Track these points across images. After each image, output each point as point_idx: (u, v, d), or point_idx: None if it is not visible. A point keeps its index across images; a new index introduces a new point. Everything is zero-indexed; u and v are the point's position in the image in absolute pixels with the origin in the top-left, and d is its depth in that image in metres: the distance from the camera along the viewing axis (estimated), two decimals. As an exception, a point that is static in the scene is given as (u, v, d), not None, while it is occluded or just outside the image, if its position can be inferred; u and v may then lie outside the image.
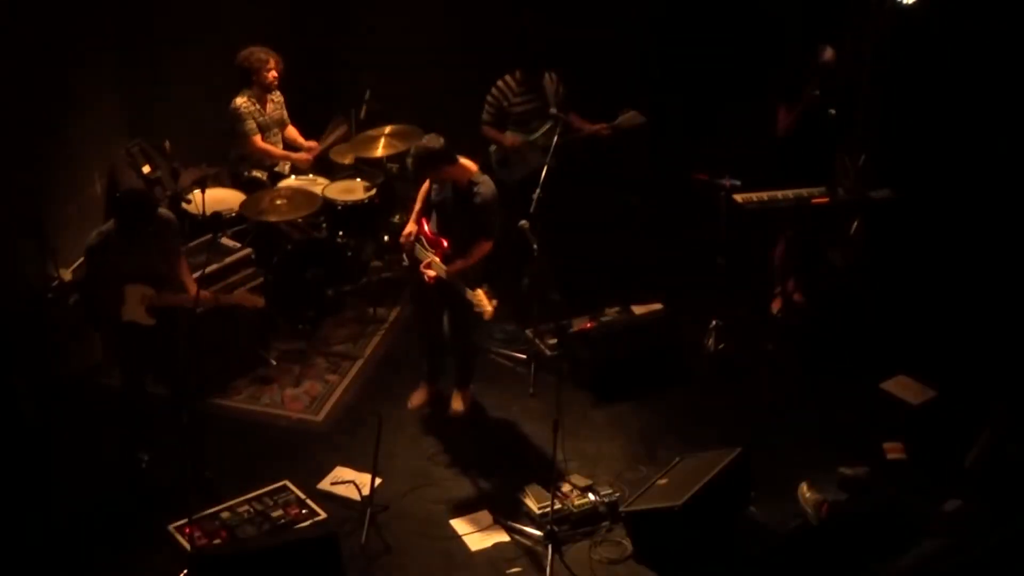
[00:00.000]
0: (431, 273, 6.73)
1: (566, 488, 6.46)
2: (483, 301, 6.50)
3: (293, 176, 8.28)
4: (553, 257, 7.87)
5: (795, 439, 6.95)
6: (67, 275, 7.83)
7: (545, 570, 6.03)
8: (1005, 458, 5.60)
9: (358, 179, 8.21)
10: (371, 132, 8.22)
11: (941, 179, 8.11)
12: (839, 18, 8.30)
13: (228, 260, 7.39)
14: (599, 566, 6.13)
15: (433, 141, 6.61)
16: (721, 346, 7.70)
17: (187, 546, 6.03)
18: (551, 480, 6.26)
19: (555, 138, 7.63)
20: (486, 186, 6.70)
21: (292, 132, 8.44)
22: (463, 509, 6.48)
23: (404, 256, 7.10)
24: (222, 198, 7.98)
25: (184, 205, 7.93)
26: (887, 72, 8.18)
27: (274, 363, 7.62)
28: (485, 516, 6.42)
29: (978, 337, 7.53)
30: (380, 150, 8.11)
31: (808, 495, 6.32)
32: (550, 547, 6.12)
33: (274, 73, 8.07)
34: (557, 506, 6.24)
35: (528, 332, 7.72)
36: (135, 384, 6.47)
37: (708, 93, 9.04)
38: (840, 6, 8.35)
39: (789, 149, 7.59)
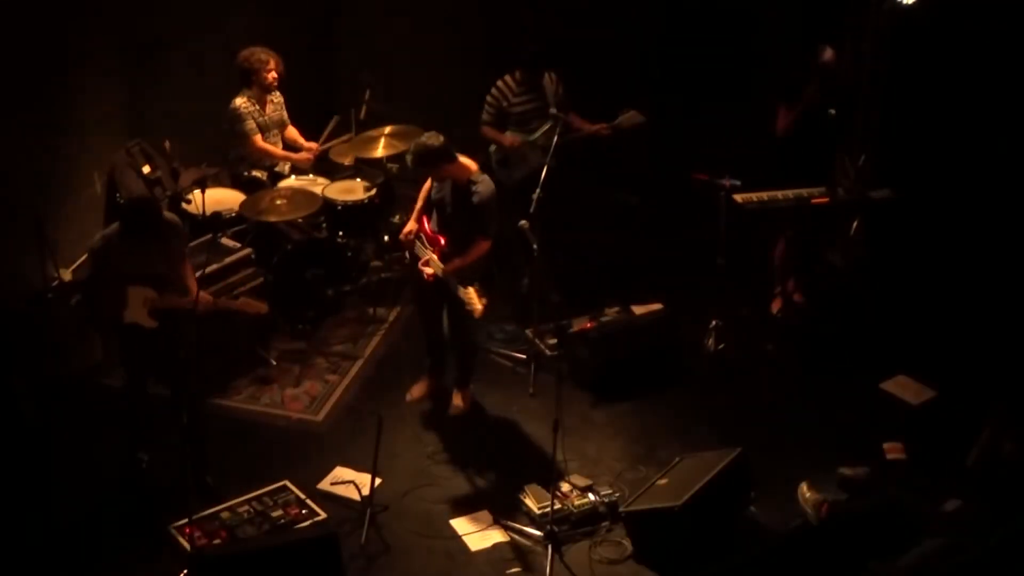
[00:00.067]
0: (428, 271, 6.76)
1: (566, 488, 6.45)
2: (473, 299, 6.52)
3: (293, 176, 8.28)
4: (553, 257, 7.89)
5: (795, 439, 6.96)
6: (67, 275, 7.83)
7: (545, 570, 6.03)
8: (1004, 458, 5.61)
9: (358, 179, 8.21)
10: (371, 132, 8.23)
11: (941, 179, 8.11)
12: (839, 18, 8.30)
13: (228, 260, 7.39)
14: (599, 566, 6.13)
15: (432, 139, 6.61)
16: (721, 346, 7.70)
17: (187, 546, 6.03)
18: (551, 480, 6.27)
19: (555, 138, 7.63)
20: (484, 185, 6.71)
21: (292, 133, 8.44)
22: (463, 509, 6.48)
23: (406, 254, 7.12)
24: (222, 198, 7.98)
25: (184, 205, 7.92)
26: (887, 72, 8.18)
27: (274, 363, 7.62)
28: (485, 516, 6.42)
29: (978, 337, 7.53)
30: (380, 150, 8.12)
31: (808, 495, 6.32)
32: (550, 547, 6.12)
33: (274, 74, 8.07)
34: (557, 506, 6.23)
35: (528, 332, 7.72)
36: (137, 385, 6.48)
37: (708, 93, 9.03)
38: (840, 6, 8.35)
39: (789, 149, 7.59)
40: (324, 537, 5.85)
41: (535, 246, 6.58)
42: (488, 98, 8.01)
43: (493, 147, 8.09)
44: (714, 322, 7.71)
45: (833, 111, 7.46)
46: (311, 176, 8.29)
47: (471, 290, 6.55)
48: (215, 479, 6.47)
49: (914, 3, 7.71)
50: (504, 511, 6.44)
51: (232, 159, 8.31)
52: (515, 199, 7.86)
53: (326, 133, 8.36)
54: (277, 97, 8.28)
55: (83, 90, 8.12)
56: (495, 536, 6.31)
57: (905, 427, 6.99)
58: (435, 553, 6.21)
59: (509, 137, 8.01)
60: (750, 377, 7.55)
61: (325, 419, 7.21)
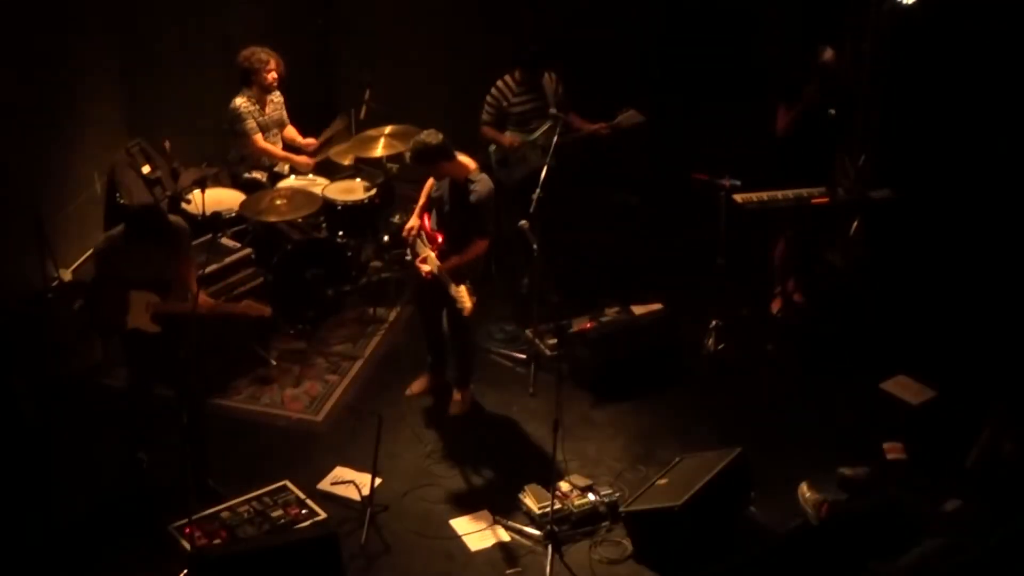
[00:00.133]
0: (425, 268, 6.78)
1: (566, 488, 6.45)
2: (463, 297, 6.55)
3: (293, 176, 8.28)
4: (553, 257, 7.89)
5: (795, 439, 6.96)
6: (67, 275, 7.84)
7: (545, 570, 6.03)
8: (1003, 458, 5.61)
9: (358, 179, 8.21)
10: (371, 132, 8.23)
11: (941, 179, 8.10)
12: (839, 18, 8.30)
13: (228, 260, 7.39)
14: (599, 566, 6.12)
15: (431, 136, 6.62)
16: (721, 346, 7.70)
17: (187, 546, 6.03)
18: (551, 480, 6.26)
19: (555, 138, 7.63)
20: (482, 184, 6.71)
21: (291, 132, 8.44)
22: (463, 509, 6.48)
23: (408, 250, 7.14)
24: (222, 198, 7.98)
25: (184, 205, 7.93)
26: (887, 72, 8.18)
27: (274, 363, 7.62)
28: (485, 516, 6.42)
29: (978, 337, 7.53)
30: (380, 150, 8.12)
31: (808, 495, 6.32)
32: (550, 547, 6.12)
33: (274, 74, 8.08)
34: (557, 506, 6.23)
35: (528, 332, 7.72)
36: (141, 388, 6.48)
37: (708, 93, 9.03)
38: (840, 6, 8.35)
39: (789, 149, 7.59)
40: (324, 537, 5.84)
41: (535, 246, 6.58)
42: (488, 98, 8.01)
43: (493, 147, 8.09)
44: (714, 322, 7.71)
45: (833, 111, 7.46)
46: (311, 176, 8.29)
47: (462, 288, 6.58)
48: (216, 481, 6.46)
49: (914, 3, 7.71)
50: (504, 511, 6.44)
51: (232, 159, 8.32)
52: (515, 199, 7.87)
53: (328, 133, 8.36)
54: (277, 97, 8.29)
55: (83, 90, 8.13)
56: (495, 536, 6.31)
57: (905, 427, 6.98)
58: (435, 553, 6.21)
59: (509, 137, 8.01)
60: (750, 377, 7.55)
61: (325, 419, 7.21)
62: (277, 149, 8.29)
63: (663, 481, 6.34)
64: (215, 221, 7.65)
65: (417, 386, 7.37)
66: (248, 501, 6.41)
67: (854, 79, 7.95)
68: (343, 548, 5.88)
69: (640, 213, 9.34)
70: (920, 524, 5.71)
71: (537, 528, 6.29)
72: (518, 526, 6.34)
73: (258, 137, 8.13)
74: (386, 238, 8.26)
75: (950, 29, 7.92)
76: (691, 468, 6.34)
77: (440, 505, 6.52)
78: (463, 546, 6.26)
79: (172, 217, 6.42)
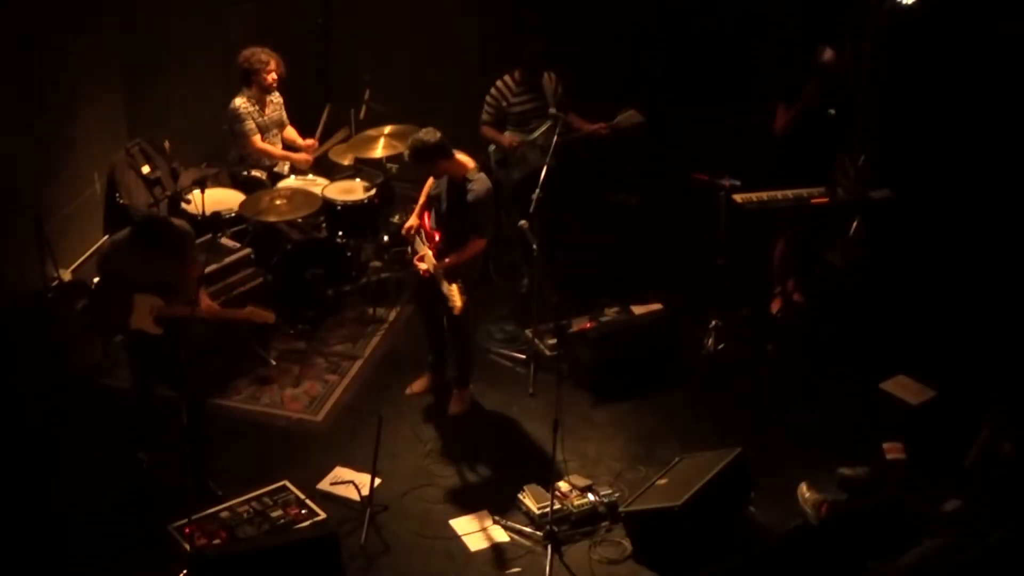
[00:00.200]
0: (423, 266, 6.79)
1: (565, 488, 6.45)
2: (454, 296, 6.58)
3: (293, 176, 8.28)
4: (553, 257, 7.90)
5: (795, 439, 6.96)
6: (67, 275, 7.84)
7: (544, 570, 6.03)
8: (1002, 458, 5.61)
9: (358, 179, 8.21)
10: (371, 132, 8.24)
11: (941, 179, 8.10)
12: (839, 18, 8.30)
13: (228, 260, 7.39)
14: (599, 566, 6.12)
15: (429, 135, 6.63)
16: (721, 346, 7.70)
17: (187, 546, 6.03)
18: (550, 480, 6.26)
19: (554, 138, 7.64)
20: (480, 183, 6.71)
21: (291, 133, 8.44)
22: (463, 509, 6.48)
23: (408, 248, 7.15)
24: (222, 198, 7.98)
25: (184, 205, 7.93)
26: (887, 72, 8.18)
27: (274, 363, 7.61)
28: (485, 516, 6.42)
29: (978, 337, 7.53)
30: (380, 150, 8.12)
31: (808, 495, 6.32)
32: (550, 547, 6.12)
33: (274, 75, 8.07)
34: (557, 506, 6.23)
35: (528, 332, 7.72)
36: (144, 389, 6.48)
37: (708, 93, 9.03)
38: (840, 6, 8.35)
39: (789, 149, 7.59)
40: (324, 537, 5.85)
41: (535, 246, 6.58)
42: (488, 98, 8.01)
43: (492, 147, 8.09)
44: (714, 322, 7.71)
45: (833, 111, 7.46)
46: (311, 176, 8.29)
47: (454, 287, 6.61)
48: (217, 484, 6.45)
49: (914, 3, 7.71)
50: (504, 511, 6.44)
51: (232, 159, 8.32)
52: (514, 199, 7.89)
53: (321, 124, 8.36)
54: (277, 98, 8.29)
55: (83, 90, 8.14)
56: (495, 536, 6.31)
57: (905, 427, 6.98)
58: (435, 553, 6.21)
59: (508, 137, 8.01)
60: (750, 377, 7.55)
61: (325, 419, 7.21)
62: (276, 149, 8.28)
63: (663, 481, 6.34)
64: (215, 221, 7.66)
65: (417, 385, 7.37)
66: (248, 501, 6.41)
67: (854, 79, 7.96)
68: (343, 548, 5.88)
69: (640, 213, 9.34)
70: (920, 524, 5.72)
71: (537, 528, 6.29)
72: (518, 526, 6.34)
73: (256, 138, 8.13)
74: (386, 238, 8.26)
75: (950, 29, 7.92)
76: (691, 468, 6.34)
77: (440, 505, 6.52)
78: (463, 546, 6.26)
79: (176, 221, 6.40)
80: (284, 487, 6.54)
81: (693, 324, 7.77)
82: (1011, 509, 5.40)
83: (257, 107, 8.12)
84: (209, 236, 7.42)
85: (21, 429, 6.74)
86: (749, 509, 6.37)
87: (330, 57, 9.77)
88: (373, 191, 8.09)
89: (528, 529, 6.31)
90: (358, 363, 7.69)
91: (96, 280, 6.46)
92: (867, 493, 6.31)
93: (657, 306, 7.80)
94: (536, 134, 7.96)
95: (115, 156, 8.39)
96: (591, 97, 8.28)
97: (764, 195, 7.44)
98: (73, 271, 8.00)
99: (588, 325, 7.55)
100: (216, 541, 6.14)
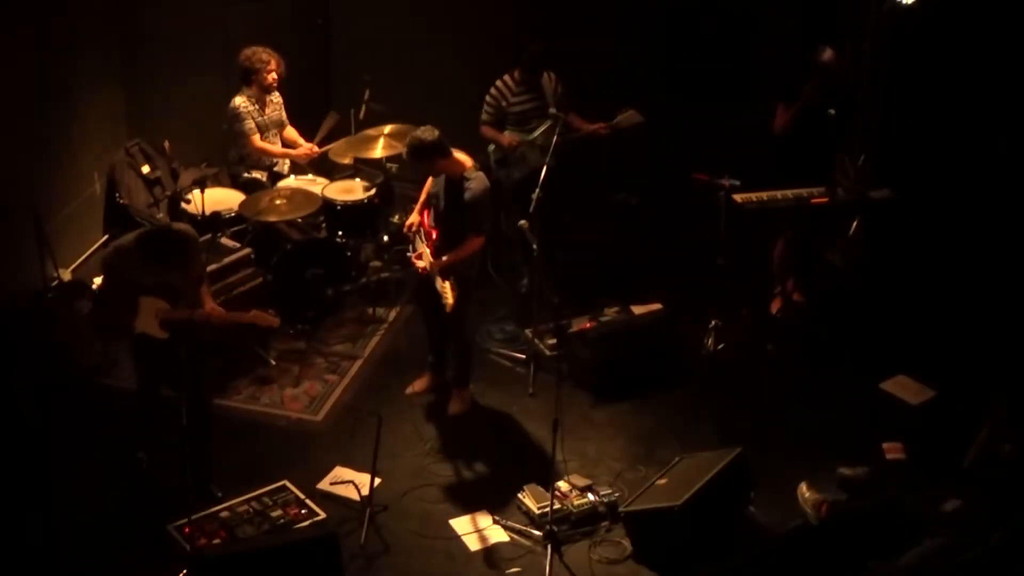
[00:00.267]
0: (420, 264, 6.79)
1: (565, 488, 6.45)
2: (447, 292, 6.60)
3: (293, 176, 8.28)
4: (553, 257, 7.90)
5: (795, 439, 6.96)
6: (67, 275, 7.84)
7: (544, 570, 6.03)
8: (1002, 458, 5.61)
9: (357, 179, 8.21)
10: (371, 132, 8.23)
11: (941, 179, 8.10)
12: (839, 18, 8.30)
13: (227, 260, 7.39)
14: (599, 566, 6.12)
15: (426, 133, 6.62)
16: (721, 346, 7.70)
17: (187, 546, 6.03)
18: (550, 480, 6.26)
19: (554, 137, 7.64)
20: (477, 182, 6.71)
21: (291, 133, 8.44)
22: (463, 509, 6.48)
23: (410, 247, 7.15)
24: (221, 198, 7.98)
25: (184, 205, 7.93)
26: (887, 72, 8.18)
27: (274, 363, 7.61)
28: (485, 516, 6.42)
29: (978, 337, 7.53)
30: (379, 150, 8.12)
31: (808, 495, 6.32)
32: (549, 547, 6.12)
33: (274, 75, 8.07)
34: (556, 506, 6.23)
35: (528, 332, 7.72)
36: (149, 391, 6.47)
37: (708, 93, 9.03)
38: (840, 6, 8.35)
39: (789, 149, 7.59)
40: (324, 537, 5.84)
41: (535, 246, 6.58)
42: (487, 98, 8.01)
43: (492, 147, 8.09)
44: (714, 322, 7.71)
45: (833, 111, 7.47)
46: (310, 176, 8.29)
47: (447, 283, 6.62)
48: (217, 484, 6.45)
49: (914, 3, 7.71)
50: (504, 511, 6.44)
51: (232, 159, 8.31)
52: (514, 199, 7.88)
53: (323, 130, 8.36)
54: (277, 98, 8.29)
55: (83, 90, 8.14)
56: (495, 536, 6.31)
57: (905, 427, 6.98)
58: (435, 553, 6.21)
59: (508, 137, 8.01)
60: (750, 377, 7.55)
61: (325, 419, 7.21)
62: (275, 147, 8.28)
63: (663, 481, 6.34)
64: (215, 221, 7.66)
65: (418, 385, 7.37)
66: (247, 501, 6.41)
67: (854, 79, 7.96)
68: (343, 548, 5.88)
69: (640, 213, 9.34)
70: (920, 524, 5.72)
71: (536, 528, 6.29)
72: (517, 526, 6.34)
73: (256, 137, 8.12)
74: (386, 238, 8.26)
75: (950, 29, 7.92)
76: (691, 468, 6.34)
77: (440, 505, 6.52)
78: (463, 546, 6.26)
79: (180, 226, 6.38)
80: (284, 487, 6.54)
81: (693, 324, 7.78)
82: (1011, 509, 5.41)
83: (257, 106, 8.12)
84: (209, 236, 7.43)
85: (21, 429, 6.74)
86: (749, 509, 6.37)
87: (330, 57, 9.77)
88: (373, 191, 8.09)
89: (528, 529, 6.31)
90: (358, 363, 7.69)
91: (100, 284, 6.45)
92: (867, 493, 6.31)
93: (657, 306, 7.80)
94: (536, 134, 7.96)
95: (115, 156, 8.40)
96: (591, 97, 8.28)
97: (764, 195, 7.44)
98: (73, 271, 8.01)
99: (588, 325, 7.55)
100: (216, 541, 6.14)
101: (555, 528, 6.18)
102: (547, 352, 7.61)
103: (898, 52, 8.13)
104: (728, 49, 8.99)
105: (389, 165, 8.29)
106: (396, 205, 8.49)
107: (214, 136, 8.49)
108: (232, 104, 8.07)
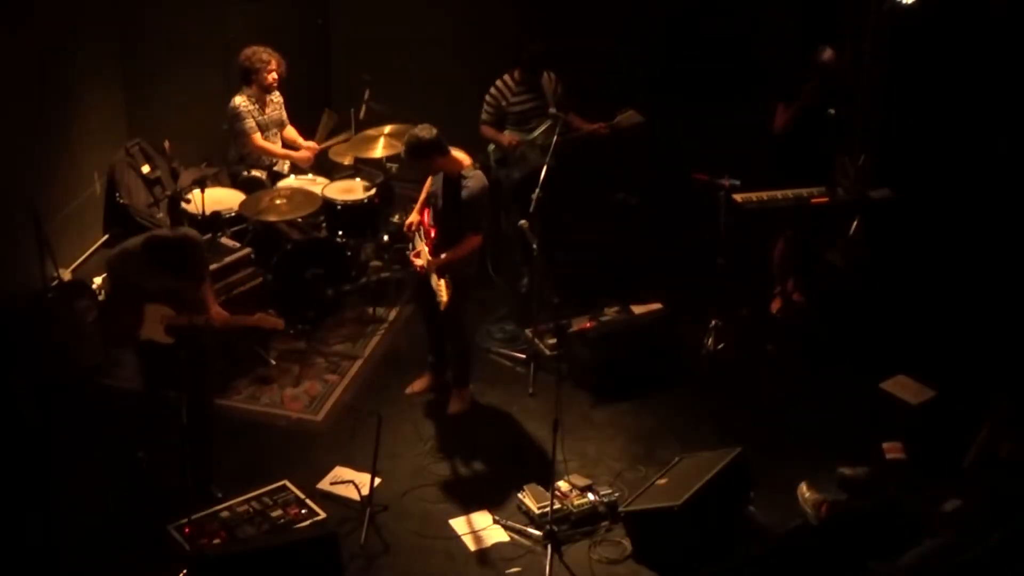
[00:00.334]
0: (419, 262, 6.80)
1: (565, 488, 6.45)
2: (441, 290, 6.61)
3: (293, 176, 8.28)
4: (553, 257, 7.90)
5: (795, 439, 6.96)
6: (67, 275, 7.84)
7: (544, 570, 6.03)
8: (1001, 458, 5.61)
9: (358, 179, 8.21)
10: (371, 132, 8.24)
11: (941, 179, 8.11)
12: (839, 18, 8.30)
13: (227, 260, 7.38)
14: (599, 566, 6.12)
15: (424, 131, 6.62)
16: (721, 346, 7.70)
17: (187, 546, 6.03)
18: (550, 480, 6.26)
19: (554, 137, 7.64)
20: (475, 180, 6.71)
21: (291, 133, 8.44)
22: (463, 509, 6.48)
23: (410, 245, 7.16)
24: (221, 198, 7.98)
25: (184, 205, 7.93)
26: (887, 72, 8.18)
27: (274, 363, 7.61)
28: (485, 516, 6.42)
29: (978, 337, 7.53)
30: (380, 150, 8.12)
31: (808, 495, 6.32)
32: (550, 547, 6.12)
33: (275, 75, 8.07)
34: (556, 506, 6.23)
35: (528, 332, 7.72)
36: (154, 395, 6.47)
37: (708, 93, 9.03)
38: (840, 6, 8.35)
39: (789, 149, 7.59)
40: (324, 537, 5.85)
41: (535, 246, 6.58)
42: (487, 97, 8.01)
43: (492, 146, 8.09)
44: (714, 322, 7.71)
45: (833, 111, 7.47)
46: (310, 176, 8.29)
47: (442, 281, 6.63)
48: (217, 484, 6.45)
49: (914, 3, 7.71)
50: (504, 511, 6.44)
51: (232, 159, 8.32)
52: (514, 199, 7.88)
53: (320, 129, 8.36)
54: (277, 97, 8.29)
55: (83, 90, 8.14)
56: (495, 536, 6.31)
57: (905, 427, 6.98)
58: (435, 553, 6.21)
59: (508, 136, 8.01)
60: (750, 377, 7.55)
61: (325, 419, 7.21)
62: (276, 147, 8.28)
63: (663, 481, 6.34)
64: (215, 221, 7.66)
65: (418, 385, 7.37)
66: (247, 501, 6.41)
67: (854, 79, 7.96)
68: (343, 548, 5.89)
69: (640, 213, 9.34)
70: (920, 524, 5.72)
71: (536, 528, 6.29)
72: (517, 526, 6.34)
73: (256, 136, 8.12)
74: (386, 237, 8.27)
75: (950, 29, 7.92)
76: (691, 468, 6.34)
77: (440, 505, 6.51)
78: (463, 546, 6.26)
79: (186, 231, 6.38)
80: (284, 487, 6.55)
81: (693, 324, 7.78)
82: (1011, 509, 5.40)
83: (257, 106, 8.12)
84: (209, 236, 7.43)
85: (21, 429, 6.75)
86: (749, 509, 6.37)
87: (330, 57, 9.77)
88: (373, 191, 8.09)
89: (528, 529, 6.31)
90: (358, 363, 7.70)
91: (105, 291, 6.45)
92: (867, 493, 6.31)
93: (657, 306, 7.80)
94: (536, 134, 7.96)
95: (115, 156, 8.40)
96: (591, 97, 8.28)
97: (764, 195, 7.44)
98: (73, 271, 8.01)
99: (588, 325, 7.55)
100: (216, 541, 6.14)
101: (555, 528, 6.18)
102: (547, 352, 7.61)
103: (898, 52, 8.13)
104: (728, 49, 9.00)
105: (389, 165, 8.29)
106: (396, 205, 8.49)
107: (214, 136, 8.49)
108: (232, 103, 8.07)
